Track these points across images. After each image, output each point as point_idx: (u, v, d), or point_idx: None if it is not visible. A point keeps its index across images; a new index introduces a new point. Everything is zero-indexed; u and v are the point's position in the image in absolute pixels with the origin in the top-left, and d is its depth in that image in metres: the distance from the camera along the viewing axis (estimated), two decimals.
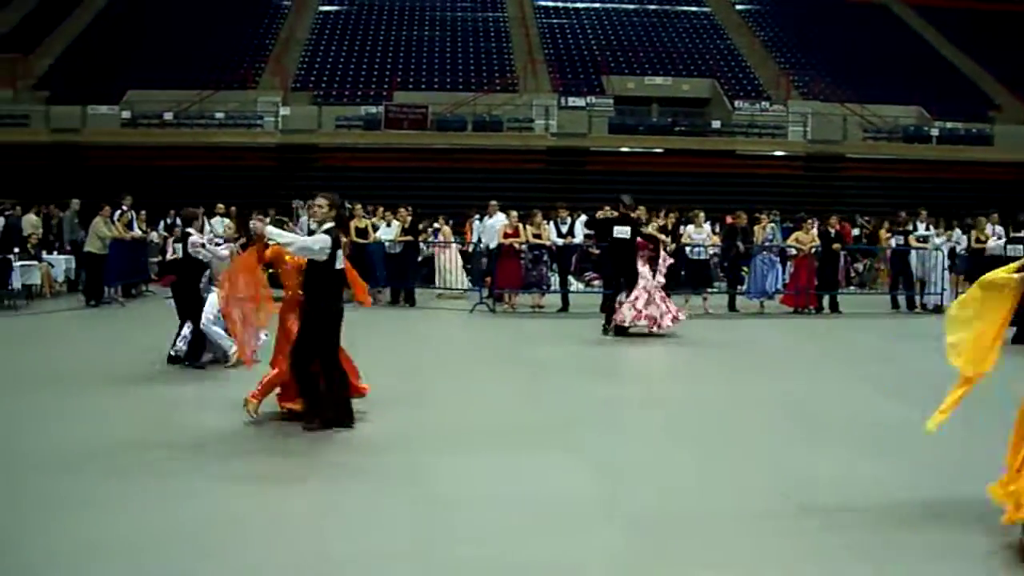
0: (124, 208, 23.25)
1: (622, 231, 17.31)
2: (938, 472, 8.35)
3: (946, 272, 22.29)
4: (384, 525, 6.96)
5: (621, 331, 17.22)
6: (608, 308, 17.70)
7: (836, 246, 22.41)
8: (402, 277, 22.46)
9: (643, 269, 17.29)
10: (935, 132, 37.88)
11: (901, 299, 22.80)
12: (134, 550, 6.37)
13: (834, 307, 22.03)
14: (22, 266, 21.11)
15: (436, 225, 26.13)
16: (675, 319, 17.34)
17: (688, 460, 8.90)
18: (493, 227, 22.31)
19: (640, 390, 12.47)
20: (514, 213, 21.80)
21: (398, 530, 6.86)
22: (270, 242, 9.93)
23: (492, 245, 22.09)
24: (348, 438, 9.46)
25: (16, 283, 20.67)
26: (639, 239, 17.55)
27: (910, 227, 23.24)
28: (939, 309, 21.68)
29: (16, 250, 21.88)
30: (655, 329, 17.15)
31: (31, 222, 24.97)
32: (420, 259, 23.38)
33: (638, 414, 10.88)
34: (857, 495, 7.69)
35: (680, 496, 7.74)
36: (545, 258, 21.68)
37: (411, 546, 6.54)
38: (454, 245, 24.77)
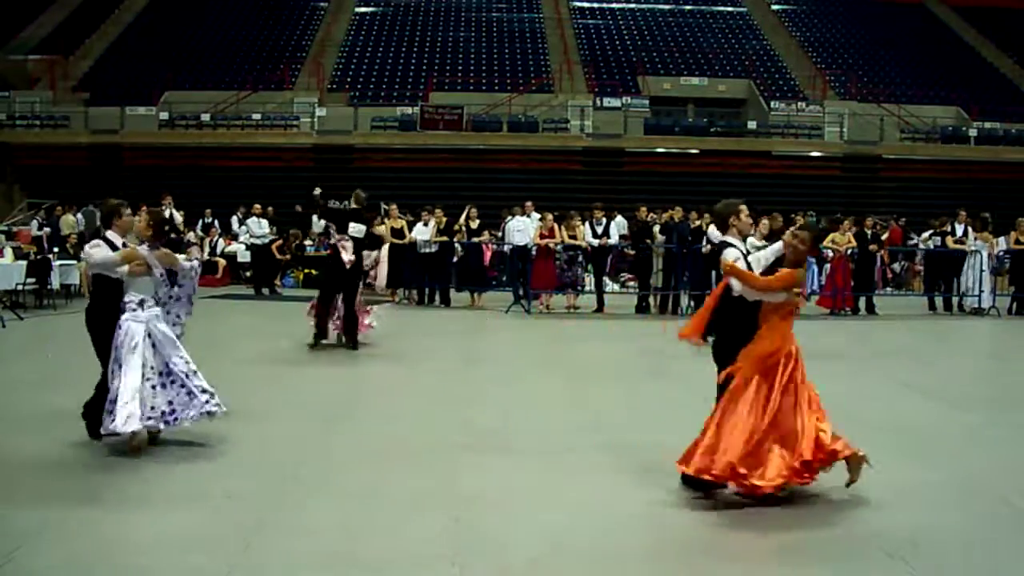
0: (163, 207, 23.46)
1: (356, 229, 15.45)
2: (978, 473, 8.34)
3: (985, 274, 22.09)
4: (419, 522, 7.01)
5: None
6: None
7: (873, 247, 22.34)
8: (437, 277, 22.60)
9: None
10: (974, 133, 37.52)
11: (938, 300, 22.71)
12: None
13: (870, 308, 21.95)
14: (61, 265, 21.38)
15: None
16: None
17: None
18: (512, 228, 22.35)
19: (679, 390, 12.41)
20: (549, 215, 21.84)
21: (433, 528, 6.91)
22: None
23: (516, 243, 22.15)
24: (386, 438, 9.52)
25: (55, 283, 20.94)
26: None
27: (947, 228, 23.08)
28: (979, 311, 21.61)
29: (55, 250, 22.14)
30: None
31: (68, 222, 25.27)
32: (455, 259, 23.36)
33: (679, 414, 10.86)
34: (896, 496, 7.68)
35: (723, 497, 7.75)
36: (580, 259, 21.73)
37: (445, 545, 6.59)
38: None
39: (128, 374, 8.62)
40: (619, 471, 8.44)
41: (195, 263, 9.82)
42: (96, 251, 8.97)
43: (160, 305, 9.13)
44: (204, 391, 8.97)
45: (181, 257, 9.67)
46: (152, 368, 8.80)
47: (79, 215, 26.94)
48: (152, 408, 8.68)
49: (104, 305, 9.02)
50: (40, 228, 26.74)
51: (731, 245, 7.94)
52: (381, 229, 18.51)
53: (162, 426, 8.81)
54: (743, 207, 8.17)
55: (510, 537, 6.77)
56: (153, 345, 8.86)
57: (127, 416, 8.44)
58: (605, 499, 7.63)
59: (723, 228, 8.14)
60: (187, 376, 8.92)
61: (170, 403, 8.82)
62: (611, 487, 7.97)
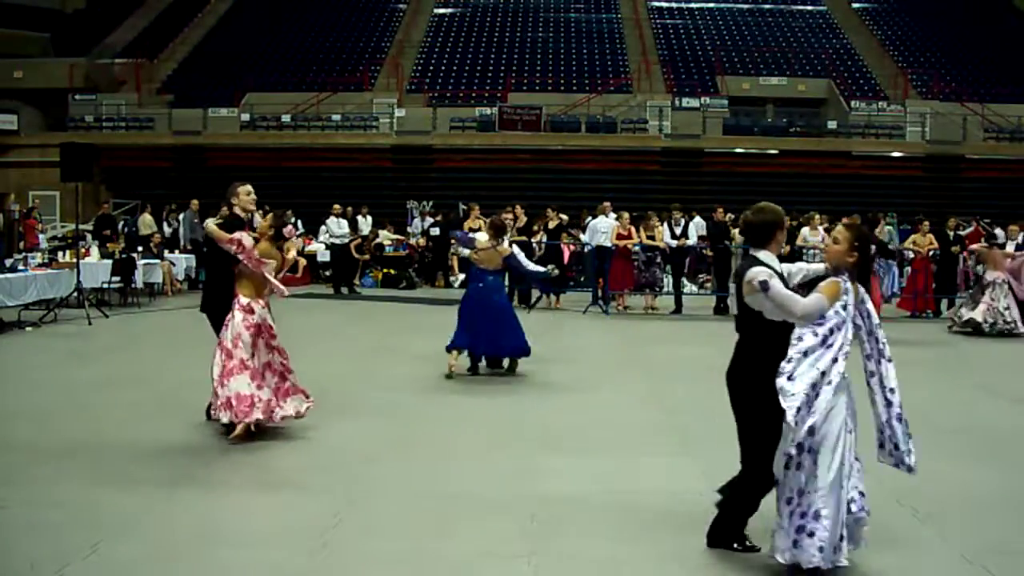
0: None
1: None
2: None
3: None
4: (495, 521, 7.07)
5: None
6: None
7: (955, 249, 22.02)
8: (514, 277, 22.62)
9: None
10: None
11: None
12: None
13: None
14: (145, 264, 21.81)
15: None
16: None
17: None
18: (596, 228, 22.27)
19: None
20: (625, 215, 21.82)
21: (509, 527, 6.98)
22: None
23: (594, 243, 22.10)
24: (460, 436, 9.61)
25: (139, 281, 21.35)
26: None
27: None
28: None
29: (139, 249, 22.58)
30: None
31: (146, 222, 25.71)
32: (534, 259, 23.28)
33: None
34: (972, 502, 7.62)
35: None
36: (658, 260, 21.68)
37: (520, 544, 6.65)
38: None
39: None
40: (697, 474, 8.45)
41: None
42: None
43: None
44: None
45: None
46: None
47: (181, 216, 27.29)
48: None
49: None
50: (124, 228, 27.19)
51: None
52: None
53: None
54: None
55: (586, 538, 6.81)
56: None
57: None
58: (682, 501, 7.65)
59: None
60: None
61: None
62: (688, 490, 7.98)
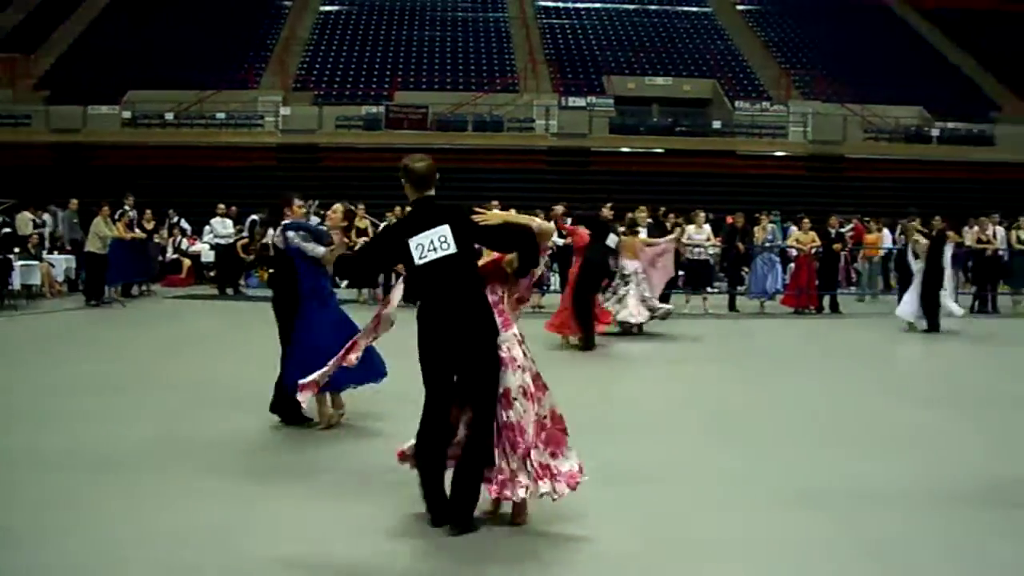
0: (126, 207, 23.34)
1: None
2: (946, 468, 8.35)
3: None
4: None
5: None
6: None
7: (836, 246, 22.42)
8: None
9: None
10: (936, 132, 37.88)
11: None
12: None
13: (835, 307, 22.04)
14: (23, 266, 21.20)
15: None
16: None
17: (700, 461, 8.86)
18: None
19: (642, 390, 12.43)
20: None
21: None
22: None
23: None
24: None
25: (16, 283, 20.76)
26: None
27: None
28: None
29: (16, 250, 21.95)
30: None
31: (25, 220, 25.03)
32: None
33: (639, 416, 10.83)
34: (867, 492, 7.67)
35: (693, 498, 7.72)
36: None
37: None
38: None
39: None
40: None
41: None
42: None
43: None
44: None
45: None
46: None
47: (46, 216, 26.60)
48: None
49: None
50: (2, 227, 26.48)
51: None
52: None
53: None
54: None
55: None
56: None
57: None
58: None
59: None
60: None
61: None
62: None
